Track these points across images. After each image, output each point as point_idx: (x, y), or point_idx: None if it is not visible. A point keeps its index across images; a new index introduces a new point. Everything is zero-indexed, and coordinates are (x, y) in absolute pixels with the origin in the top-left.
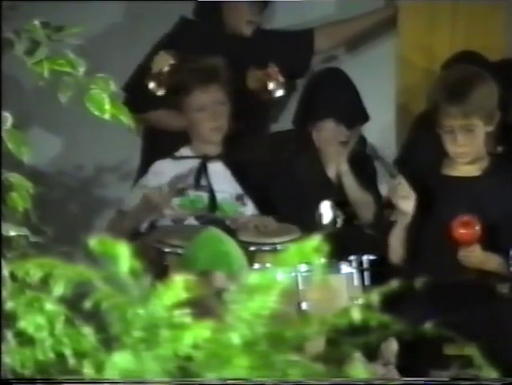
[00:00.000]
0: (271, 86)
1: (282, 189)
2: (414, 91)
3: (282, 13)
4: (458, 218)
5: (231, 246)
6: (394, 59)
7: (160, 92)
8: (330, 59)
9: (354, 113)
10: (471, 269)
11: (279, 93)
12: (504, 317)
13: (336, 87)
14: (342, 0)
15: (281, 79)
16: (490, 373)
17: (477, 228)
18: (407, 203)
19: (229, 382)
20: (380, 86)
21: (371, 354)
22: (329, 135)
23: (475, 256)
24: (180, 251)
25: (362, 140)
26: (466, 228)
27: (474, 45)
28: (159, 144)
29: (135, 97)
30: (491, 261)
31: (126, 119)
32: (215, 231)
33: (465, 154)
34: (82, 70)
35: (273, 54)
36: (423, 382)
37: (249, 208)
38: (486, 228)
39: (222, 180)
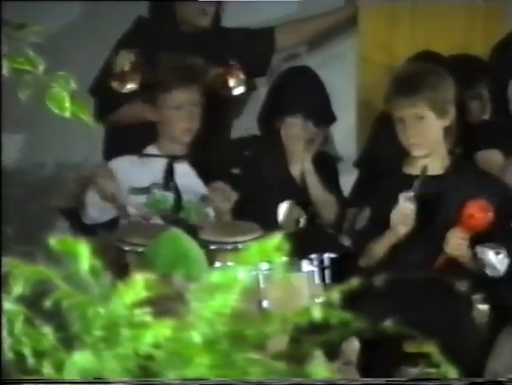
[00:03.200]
0: (232, 83)
1: (246, 188)
2: (375, 89)
3: (243, 11)
4: (474, 202)
5: (191, 247)
6: (355, 58)
7: (124, 90)
8: (291, 58)
9: (322, 111)
10: (431, 267)
11: (240, 90)
12: (462, 314)
13: (306, 84)
14: None
15: (242, 76)
16: (449, 370)
17: (490, 213)
18: (404, 228)
19: (187, 382)
20: (341, 84)
21: (332, 352)
22: (296, 131)
23: (465, 247)
24: (140, 250)
25: (326, 140)
26: (483, 212)
27: (434, 44)
28: (123, 141)
29: (103, 98)
30: (467, 256)
31: (86, 117)
32: (176, 231)
33: (418, 145)
34: (42, 68)
35: (234, 52)
36: (384, 382)
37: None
38: (450, 228)
39: (187, 181)
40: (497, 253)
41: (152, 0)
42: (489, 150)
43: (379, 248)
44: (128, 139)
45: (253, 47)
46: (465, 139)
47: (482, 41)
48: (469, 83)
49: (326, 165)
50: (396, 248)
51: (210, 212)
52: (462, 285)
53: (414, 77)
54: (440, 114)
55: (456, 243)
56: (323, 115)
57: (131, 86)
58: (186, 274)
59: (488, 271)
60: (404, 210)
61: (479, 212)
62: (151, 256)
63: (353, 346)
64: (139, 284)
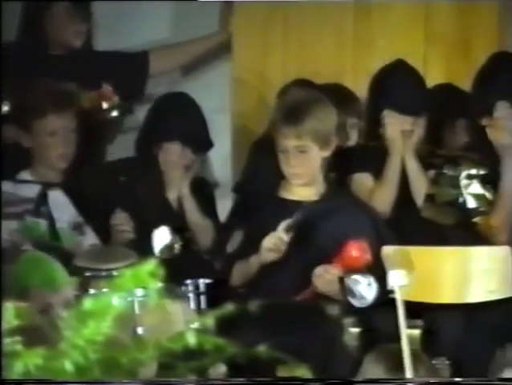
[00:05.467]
0: (105, 106)
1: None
2: (250, 115)
3: (115, 34)
4: (354, 242)
5: (53, 265)
6: (230, 84)
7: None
8: (167, 83)
9: (199, 138)
10: (303, 292)
11: (114, 113)
12: (334, 338)
13: (184, 110)
14: (177, 23)
15: (115, 99)
16: None
17: (369, 255)
18: (272, 256)
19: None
20: (217, 110)
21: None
22: (174, 157)
23: (332, 279)
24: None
25: (203, 166)
26: (362, 253)
27: (305, 70)
28: None
29: None
30: (333, 288)
31: None
32: (36, 252)
33: (299, 175)
34: None
35: (107, 76)
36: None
37: (89, 238)
38: (322, 255)
39: (61, 209)
40: (369, 284)
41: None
42: (361, 173)
43: (247, 271)
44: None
45: (127, 71)
46: (339, 163)
47: (352, 67)
48: (341, 110)
49: (203, 191)
50: (269, 273)
51: (83, 239)
52: (333, 310)
53: (301, 106)
54: (323, 146)
55: (328, 279)
56: (201, 141)
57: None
58: (50, 290)
59: (355, 301)
60: (277, 239)
61: (359, 253)
62: (13, 277)
63: (219, 371)
64: (9, 312)
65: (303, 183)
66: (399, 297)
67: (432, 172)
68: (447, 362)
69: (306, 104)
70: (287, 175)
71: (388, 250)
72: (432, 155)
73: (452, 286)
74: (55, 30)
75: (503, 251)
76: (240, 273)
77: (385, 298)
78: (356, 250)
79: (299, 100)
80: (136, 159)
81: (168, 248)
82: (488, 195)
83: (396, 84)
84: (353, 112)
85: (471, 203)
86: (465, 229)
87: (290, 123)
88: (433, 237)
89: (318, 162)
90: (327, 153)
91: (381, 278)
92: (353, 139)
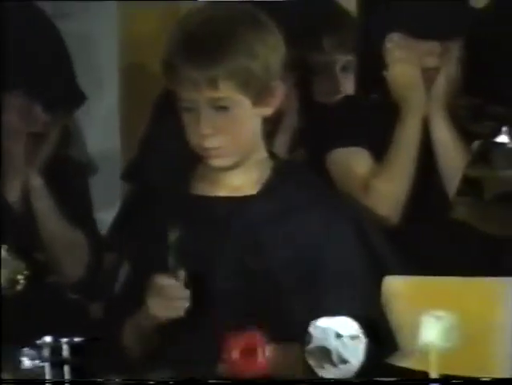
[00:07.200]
0: None
1: None
2: (149, 48)
3: None
4: (235, 338)
5: None
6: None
7: None
8: None
9: (60, 86)
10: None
11: None
12: None
13: (33, 36)
14: None
15: None
16: None
17: (265, 352)
18: (168, 312)
19: None
20: (92, 37)
21: None
22: (14, 121)
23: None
24: None
25: (68, 137)
26: (249, 355)
27: None
28: None
29: None
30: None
31: None
32: None
33: (218, 151)
34: None
35: None
36: None
37: None
38: (273, 284)
39: None
40: (353, 337)
41: None
42: (349, 148)
43: (147, 323)
44: None
45: None
46: (310, 132)
47: None
48: (327, 42)
49: (68, 181)
50: (184, 327)
51: None
52: None
53: (216, 32)
54: (258, 99)
55: None
56: (62, 91)
57: None
58: None
59: (328, 370)
60: (164, 284)
61: (245, 359)
62: None
63: None
64: None
65: (229, 164)
66: (432, 363)
67: (478, 144)
68: None
69: (227, 27)
70: (199, 150)
71: (393, 282)
72: (477, 113)
73: (492, 349)
74: None
75: None
76: (135, 326)
77: (380, 363)
78: (244, 350)
79: (213, 21)
80: None
81: (7, 281)
82: None
83: None
84: (348, 46)
85: None
86: None
87: (197, 63)
88: (475, 258)
89: (252, 127)
90: (267, 111)
91: (374, 329)
92: (348, 89)
